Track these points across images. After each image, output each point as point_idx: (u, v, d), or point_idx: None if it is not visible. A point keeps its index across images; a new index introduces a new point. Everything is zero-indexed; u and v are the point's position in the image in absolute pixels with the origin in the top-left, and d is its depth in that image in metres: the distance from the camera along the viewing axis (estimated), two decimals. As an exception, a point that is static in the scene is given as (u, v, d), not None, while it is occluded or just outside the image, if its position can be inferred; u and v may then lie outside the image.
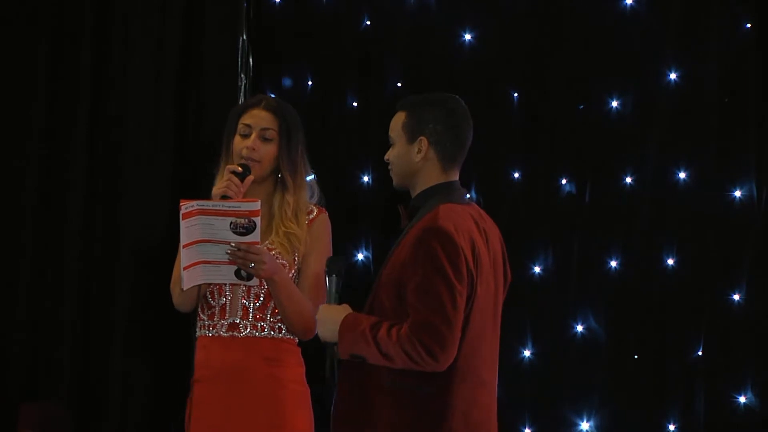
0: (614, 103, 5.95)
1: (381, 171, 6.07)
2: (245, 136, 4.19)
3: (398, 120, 3.72)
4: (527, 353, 5.93)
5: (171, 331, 5.96)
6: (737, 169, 5.86)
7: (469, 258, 3.52)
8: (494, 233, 3.75)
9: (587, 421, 5.85)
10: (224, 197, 4.05)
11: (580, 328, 5.91)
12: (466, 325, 3.52)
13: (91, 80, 6.13)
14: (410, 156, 3.67)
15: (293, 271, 4.19)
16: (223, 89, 6.10)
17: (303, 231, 4.19)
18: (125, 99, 6.14)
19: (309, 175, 4.30)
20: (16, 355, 6.05)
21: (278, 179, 4.23)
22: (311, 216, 4.23)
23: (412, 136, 3.68)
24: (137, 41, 6.16)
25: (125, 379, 6.04)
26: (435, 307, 3.44)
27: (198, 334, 4.20)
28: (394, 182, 3.76)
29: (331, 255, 3.99)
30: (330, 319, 3.61)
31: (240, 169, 4.13)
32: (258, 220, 3.93)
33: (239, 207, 3.94)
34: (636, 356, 5.87)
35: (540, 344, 5.93)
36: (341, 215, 5.91)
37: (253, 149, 4.14)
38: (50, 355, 6.05)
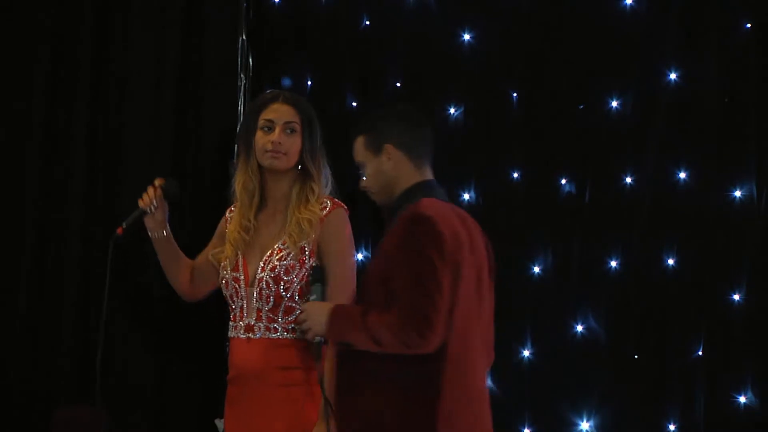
0: (614, 103, 5.95)
1: (381, 171, 6.08)
2: (269, 131, 4.24)
3: (359, 144, 3.88)
4: (527, 353, 5.93)
5: (171, 330, 5.97)
6: (737, 169, 5.86)
7: (450, 244, 3.63)
8: (477, 231, 3.90)
9: (587, 421, 5.85)
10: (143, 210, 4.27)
11: (580, 328, 5.91)
12: (454, 311, 3.62)
13: (90, 81, 6.14)
14: (382, 167, 3.81)
15: (305, 267, 4.21)
16: (223, 89, 6.11)
17: (315, 216, 4.23)
18: (125, 99, 6.15)
19: (325, 167, 4.35)
20: (17, 355, 6.06)
21: (297, 171, 4.26)
22: (325, 210, 4.26)
23: (377, 149, 3.82)
24: (137, 41, 6.17)
25: (126, 378, 6.04)
26: (422, 289, 3.56)
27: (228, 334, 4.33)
28: (379, 202, 3.91)
29: (315, 264, 4.09)
30: (318, 312, 3.75)
31: (158, 182, 4.27)
32: None
33: None
34: (636, 356, 5.87)
35: (540, 344, 5.93)
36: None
37: (279, 143, 4.20)
38: (50, 354, 6.06)
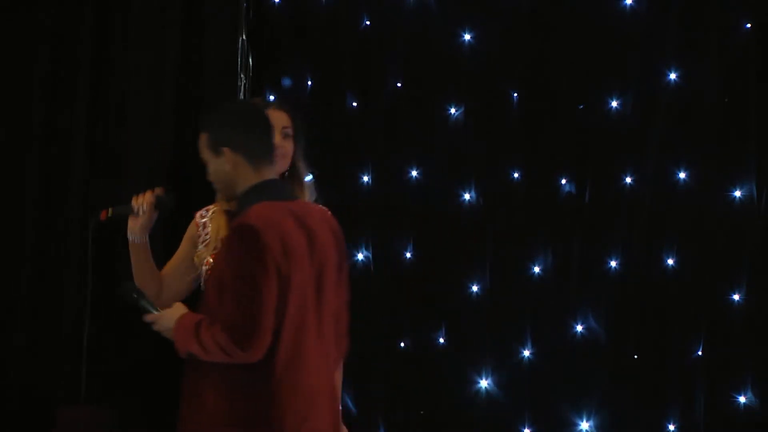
0: (614, 103, 5.95)
1: (381, 171, 6.09)
2: None
3: (202, 142, 3.92)
4: (527, 353, 5.93)
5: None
6: (737, 169, 5.86)
7: (276, 254, 3.68)
8: (323, 228, 3.92)
9: (587, 421, 5.85)
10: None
11: (580, 328, 5.91)
12: (284, 317, 3.71)
13: (90, 81, 6.14)
14: (222, 168, 3.87)
15: None
16: (223, 89, 6.11)
17: None
18: (125, 99, 6.15)
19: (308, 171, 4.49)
20: (17, 355, 6.07)
21: (283, 175, 4.36)
22: None
23: (216, 151, 3.88)
24: (137, 41, 6.16)
25: (127, 377, 6.05)
26: (243, 303, 3.65)
27: None
28: (224, 198, 3.98)
29: (123, 288, 4.07)
30: (167, 323, 3.85)
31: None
32: None
33: None
34: (636, 356, 5.87)
35: (540, 344, 5.93)
36: (341, 215, 5.91)
37: (280, 146, 4.32)
38: (50, 354, 6.06)
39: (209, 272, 3.92)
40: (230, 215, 4.02)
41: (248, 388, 3.73)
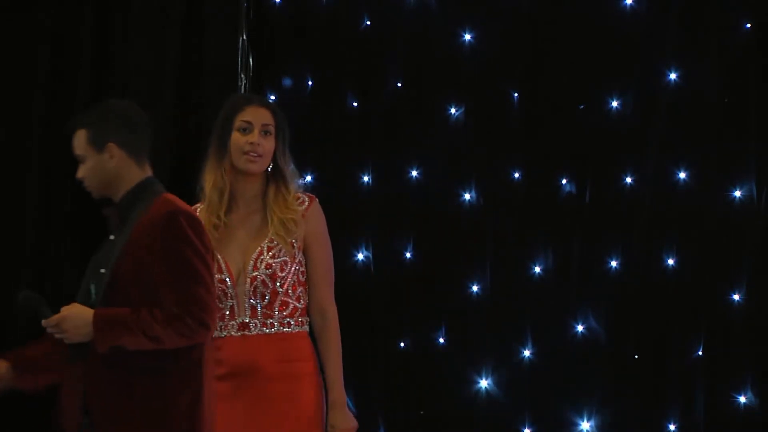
0: (614, 103, 5.95)
1: (381, 171, 6.09)
2: (246, 132, 4.40)
3: (81, 138, 3.91)
4: (527, 353, 5.93)
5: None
6: (737, 169, 5.86)
7: (206, 233, 3.80)
8: None
9: (587, 421, 5.85)
10: None
11: (580, 328, 5.91)
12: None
13: (90, 81, 6.14)
14: (105, 165, 3.88)
15: (295, 262, 4.38)
16: (223, 89, 6.10)
17: (298, 215, 4.40)
18: (125, 99, 6.14)
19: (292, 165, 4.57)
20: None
21: (267, 172, 4.45)
22: (304, 205, 4.44)
23: (99, 147, 3.88)
24: (137, 41, 6.17)
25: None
26: (196, 279, 3.69)
27: None
28: (96, 195, 3.97)
29: (22, 297, 4.02)
30: (79, 324, 3.76)
31: None
32: None
33: None
34: (636, 356, 5.88)
35: (540, 344, 5.93)
36: (341, 215, 5.92)
37: (258, 144, 4.33)
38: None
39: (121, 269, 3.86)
40: (115, 214, 3.94)
41: (181, 378, 3.71)
